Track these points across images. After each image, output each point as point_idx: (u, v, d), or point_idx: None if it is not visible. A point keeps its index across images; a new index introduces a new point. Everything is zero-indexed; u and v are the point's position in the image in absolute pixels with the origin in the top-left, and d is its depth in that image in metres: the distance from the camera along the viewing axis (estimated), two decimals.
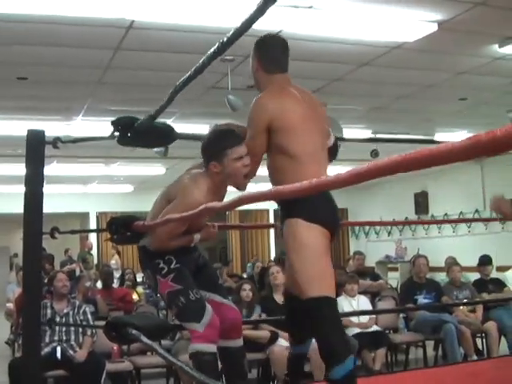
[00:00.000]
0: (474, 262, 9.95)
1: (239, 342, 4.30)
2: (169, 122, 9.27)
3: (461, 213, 15.38)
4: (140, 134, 4.06)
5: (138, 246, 4.22)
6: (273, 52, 3.87)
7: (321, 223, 3.62)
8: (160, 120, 4.26)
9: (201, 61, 2.70)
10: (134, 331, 3.84)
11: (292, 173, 3.58)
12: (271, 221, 20.74)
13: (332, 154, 4.09)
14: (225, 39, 2.38)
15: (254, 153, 3.80)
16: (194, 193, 3.85)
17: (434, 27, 6.59)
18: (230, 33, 2.37)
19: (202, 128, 10.73)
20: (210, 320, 3.94)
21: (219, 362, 4.19)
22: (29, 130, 4.41)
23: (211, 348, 3.97)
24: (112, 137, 4.18)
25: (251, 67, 3.92)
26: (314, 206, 3.59)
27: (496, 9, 6.20)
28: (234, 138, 3.92)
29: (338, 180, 1.62)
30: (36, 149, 4.34)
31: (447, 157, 1.27)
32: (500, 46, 7.31)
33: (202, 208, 2.69)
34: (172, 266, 4.02)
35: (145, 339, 3.74)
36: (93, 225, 19.84)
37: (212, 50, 2.55)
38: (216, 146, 3.96)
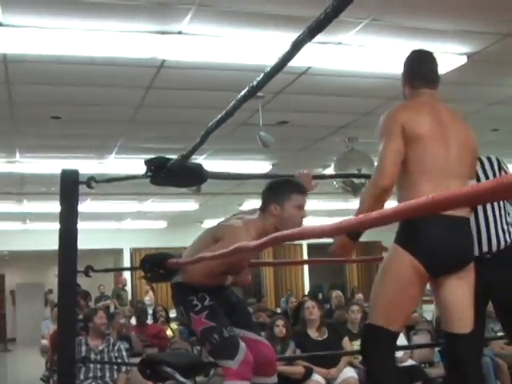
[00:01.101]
0: None
1: (274, 379, 4.28)
2: (200, 159, 9.40)
3: None
4: (172, 174, 4.10)
5: (171, 283, 4.24)
6: (419, 67, 3.67)
7: (413, 253, 3.31)
8: (193, 157, 4.30)
9: (232, 103, 2.72)
10: (168, 369, 3.86)
11: (405, 191, 3.37)
12: (305, 255, 20.72)
13: None
14: (255, 83, 2.40)
15: (383, 155, 3.38)
16: (243, 236, 3.80)
17: (464, 59, 6.60)
18: (262, 75, 2.39)
19: (234, 164, 10.84)
20: (243, 357, 3.93)
21: None
22: (63, 170, 4.47)
23: None
24: (145, 176, 4.23)
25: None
26: (412, 231, 3.33)
27: None
28: (300, 187, 4.04)
29: (382, 216, 1.62)
30: (70, 188, 4.40)
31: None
32: None
33: (235, 247, 2.70)
34: (205, 304, 4.02)
35: (179, 377, 3.75)
36: (126, 261, 19.93)
37: (243, 92, 2.57)
38: (282, 188, 4.04)
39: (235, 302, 4.34)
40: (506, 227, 4.14)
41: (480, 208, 4.17)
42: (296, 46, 1.99)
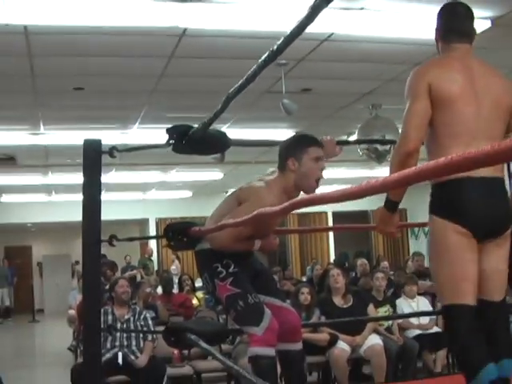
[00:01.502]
0: None
1: (299, 346, 4.29)
2: (224, 127, 9.38)
3: None
4: (194, 142, 4.09)
5: (195, 250, 4.25)
6: (452, 20, 3.48)
7: (454, 220, 3.16)
8: (215, 126, 4.29)
9: (252, 68, 2.70)
10: (192, 336, 3.88)
11: (434, 155, 3.21)
12: (330, 223, 20.70)
13: None
14: (275, 47, 2.38)
15: (408, 117, 3.26)
16: (266, 196, 3.88)
17: (488, 24, 6.52)
18: (281, 39, 2.37)
19: (258, 133, 10.81)
20: (268, 323, 3.94)
21: (278, 366, 4.19)
22: (85, 140, 4.46)
23: (270, 351, 3.97)
24: (167, 145, 4.22)
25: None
26: (447, 198, 3.20)
27: None
28: (315, 140, 4.04)
29: (387, 182, 1.61)
30: (93, 158, 4.39)
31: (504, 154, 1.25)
32: None
33: (255, 213, 2.68)
34: (230, 270, 4.03)
35: (203, 344, 3.77)
36: (152, 231, 20.04)
37: (263, 57, 2.55)
38: (297, 143, 4.07)
39: (260, 269, 4.36)
40: None
41: None
42: (314, 10, 1.96)
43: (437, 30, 3.54)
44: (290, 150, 4.04)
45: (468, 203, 3.16)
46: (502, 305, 3.30)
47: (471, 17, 3.50)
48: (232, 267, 4.04)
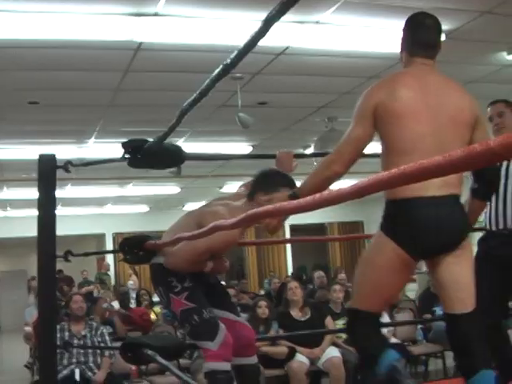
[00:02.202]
0: None
1: (254, 360, 4.29)
2: (180, 141, 9.37)
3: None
4: (149, 156, 4.08)
5: (150, 264, 4.22)
6: (415, 32, 3.41)
7: (395, 239, 3.17)
8: (172, 139, 4.28)
9: (206, 82, 2.70)
10: (150, 352, 3.85)
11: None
12: (287, 235, 20.74)
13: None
14: (228, 61, 2.39)
15: (347, 140, 3.25)
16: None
17: (442, 37, 6.58)
18: (234, 53, 2.37)
19: (214, 146, 10.82)
20: (223, 338, 3.93)
21: (234, 381, 4.17)
22: (40, 155, 4.43)
23: (226, 366, 3.96)
24: (123, 159, 4.20)
25: None
26: (393, 217, 3.21)
27: (502, 16, 6.19)
28: (290, 181, 3.98)
29: (341, 194, 1.62)
30: (48, 173, 4.36)
31: (454, 166, 1.26)
32: (508, 54, 7.30)
33: (211, 226, 2.68)
34: (185, 285, 4.01)
35: (160, 359, 3.75)
36: (109, 245, 19.91)
37: (217, 71, 2.55)
38: (272, 179, 4.03)
39: (213, 283, 4.35)
40: None
41: (501, 188, 4.43)
42: (267, 23, 1.97)
43: (402, 40, 3.47)
44: (263, 185, 4.02)
45: (412, 225, 3.14)
46: (472, 316, 3.24)
47: (439, 30, 3.48)
48: (187, 281, 4.02)
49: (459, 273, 3.24)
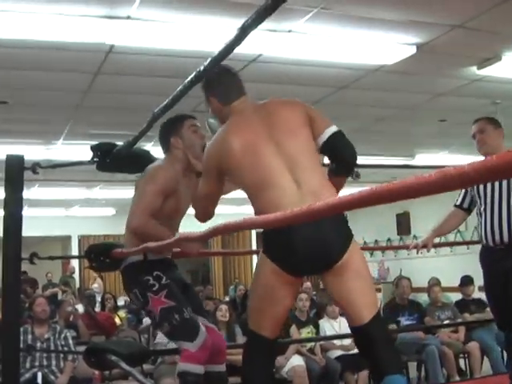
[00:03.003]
0: (457, 283, 9.94)
1: (223, 367, 4.29)
2: (149, 145, 9.32)
3: None
4: (119, 160, 4.07)
5: (121, 269, 4.17)
6: (226, 80, 3.61)
7: (272, 258, 3.29)
8: (140, 144, 4.27)
9: (179, 88, 2.70)
10: (113, 357, 3.82)
11: (254, 203, 3.36)
12: (253, 243, 20.74)
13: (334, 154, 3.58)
14: (202, 67, 2.38)
15: (201, 201, 3.66)
16: (164, 169, 4.03)
17: (413, 50, 6.64)
18: (209, 60, 2.37)
19: None
20: (203, 341, 3.91)
21: None
22: (8, 155, 4.40)
23: (199, 370, 3.93)
24: (91, 162, 4.19)
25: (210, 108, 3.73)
26: (271, 237, 3.31)
27: (473, 31, 6.25)
28: (187, 115, 4.25)
29: (312, 211, 1.62)
30: (15, 173, 4.33)
31: (420, 190, 1.28)
32: (478, 68, 7.37)
33: (177, 238, 2.68)
34: (163, 282, 3.98)
35: (124, 365, 3.72)
36: (75, 248, 19.77)
37: (190, 77, 2.55)
38: (172, 123, 4.19)
39: (188, 284, 4.34)
40: None
41: (496, 204, 4.73)
42: (243, 31, 1.97)
43: (213, 96, 3.65)
44: (170, 131, 4.16)
45: (287, 244, 3.20)
46: (372, 325, 3.28)
47: (234, 71, 3.67)
48: (164, 279, 3.99)
49: (345, 290, 3.30)
